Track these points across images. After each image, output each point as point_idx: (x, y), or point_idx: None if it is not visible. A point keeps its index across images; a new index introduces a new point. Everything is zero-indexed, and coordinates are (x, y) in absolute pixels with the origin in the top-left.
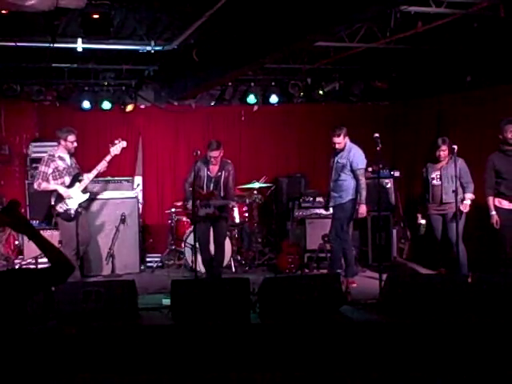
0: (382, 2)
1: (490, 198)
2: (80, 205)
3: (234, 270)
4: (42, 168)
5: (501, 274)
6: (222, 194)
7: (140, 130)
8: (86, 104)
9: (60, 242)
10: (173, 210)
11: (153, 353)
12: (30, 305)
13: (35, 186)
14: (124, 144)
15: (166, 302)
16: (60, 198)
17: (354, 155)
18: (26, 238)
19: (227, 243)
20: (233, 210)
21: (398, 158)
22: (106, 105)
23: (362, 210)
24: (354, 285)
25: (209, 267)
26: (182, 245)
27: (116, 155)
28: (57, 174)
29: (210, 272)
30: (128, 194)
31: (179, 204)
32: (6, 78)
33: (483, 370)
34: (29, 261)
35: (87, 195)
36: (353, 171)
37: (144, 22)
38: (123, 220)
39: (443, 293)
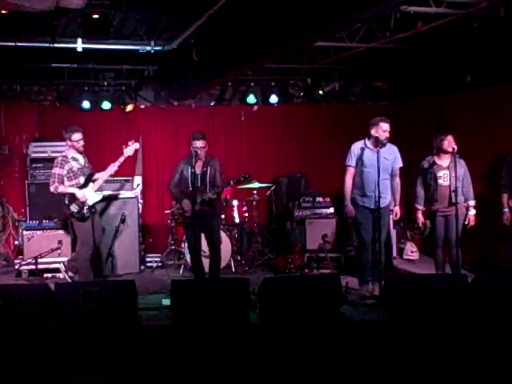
0: (382, 2)
1: (505, 196)
2: (94, 204)
3: (234, 270)
4: (57, 170)
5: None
6: (208, 190)
7: (140, 129)
8: (86, 104)
9: (60, 241)
10: (173, 210)
11: (152, 353)
12: (30, 305)
13: (52, 189)
14: (137, 145)
15: (166, 302)
16: (74, 198)
17: (397, 152)
18: (26, 238)
19: (227, 243)
20: (233, 211)
21: None
22: (106, 105)
23: (398, 211)
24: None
25: (198, 275)
26: (182, 245)
27: (129, 156)
28: (71, 175)
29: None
30: (128, 194)
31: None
32: (6, 77)
33: (483, 369)
34: (28, 261)
35: (101, 195)
36: (393, 169)
37: (144, 22)
38: (123, 220)
39: (443, 293)
